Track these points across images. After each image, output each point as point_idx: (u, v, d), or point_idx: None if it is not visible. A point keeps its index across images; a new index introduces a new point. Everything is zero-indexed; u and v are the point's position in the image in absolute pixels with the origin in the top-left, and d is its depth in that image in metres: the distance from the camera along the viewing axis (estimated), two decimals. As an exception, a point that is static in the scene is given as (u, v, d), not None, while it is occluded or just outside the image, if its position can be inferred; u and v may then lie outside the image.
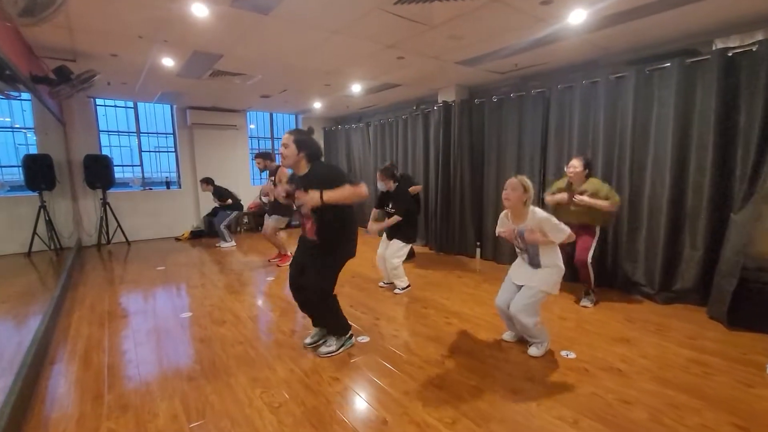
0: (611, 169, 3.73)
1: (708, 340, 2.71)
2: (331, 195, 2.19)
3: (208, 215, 7.18)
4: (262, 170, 4.86)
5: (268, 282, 4.29)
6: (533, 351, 2.50)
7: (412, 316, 3.22)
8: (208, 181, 6.16)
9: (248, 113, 7.77)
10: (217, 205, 6.29)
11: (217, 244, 6.24)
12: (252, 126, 8.26)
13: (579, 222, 3.25)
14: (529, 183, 2.40)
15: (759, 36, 3.01)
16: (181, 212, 7.19)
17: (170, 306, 3.52)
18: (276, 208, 4.86)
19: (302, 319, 3.16)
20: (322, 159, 2.44)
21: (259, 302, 3.63)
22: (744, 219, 2.90)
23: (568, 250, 3.18)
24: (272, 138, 8.50)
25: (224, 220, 6.24)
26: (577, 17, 2.90)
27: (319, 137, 8.71)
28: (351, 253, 2.46)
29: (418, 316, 3.23)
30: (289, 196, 2.40)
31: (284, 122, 8.64)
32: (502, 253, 4.93)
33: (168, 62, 4.09)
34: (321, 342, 2.62)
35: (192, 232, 7.02)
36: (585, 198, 3.16)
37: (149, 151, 7.12)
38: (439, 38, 3.35)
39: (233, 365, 2.42)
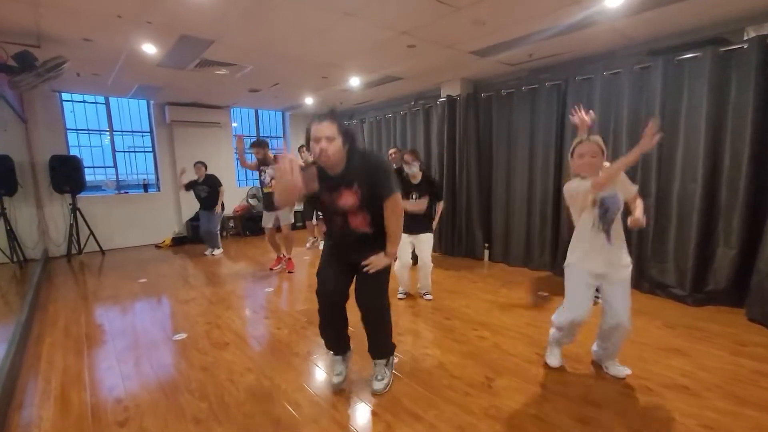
0: (636, 164, 3.53)
1: (760, 346, 2.52)
2: (393, 237, 1.91)
3: (191, 220, 6.66)
4: (261, 160, 4.31)
5: (268, 293, 3.89)
6: (622, 370, 2.17)
7: (438, 330, 2.92)
8: (204, 165, 5.53)
9: (232, 110, 7.27)
10: (203, 194, 5.50)
11: (209, 252, 5.66)
12: (235, 124, 7.74)
13: None
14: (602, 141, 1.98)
15: (795, 24, 2.88)
16: (161, 217, 6.63)
17: (159, 326, 3.09)
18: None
19: (315, 337, 2.80)
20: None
21: (263, 318, 3.24)
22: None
23: None
24: (258, 137, 8.01)
25: (217, 221, 5.72)
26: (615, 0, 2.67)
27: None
28: None
29: (444, 329, 2.93)
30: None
31: (270, 120, 8.17)
32: (512, 254, 4.70)
33: (149, 49, 3.63)
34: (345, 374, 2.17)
35: (174, 238, 6.48)
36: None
37: (124, 151, 6.54)
38: (460, 23, 3.05)
39: (246, 400, 2.04)
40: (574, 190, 2.00)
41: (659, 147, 3.41)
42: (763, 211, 2.97)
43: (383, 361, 2.14)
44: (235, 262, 5.28)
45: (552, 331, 2.31)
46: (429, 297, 3.52)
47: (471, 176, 4.98)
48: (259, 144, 4.32)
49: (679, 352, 2.48)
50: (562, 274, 4.11)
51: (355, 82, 5.02)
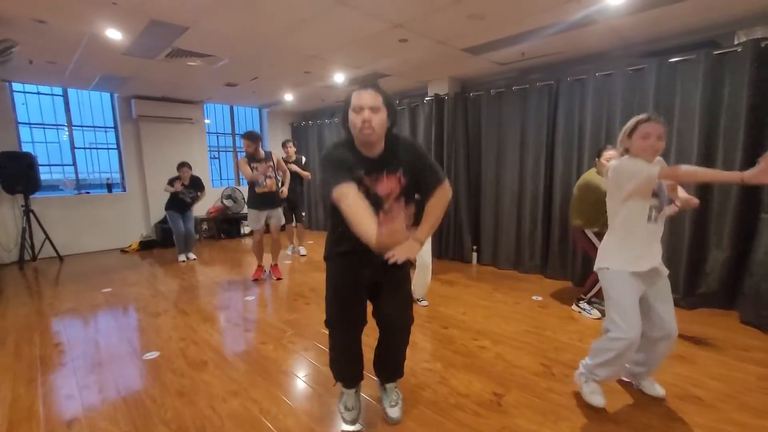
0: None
1: (760, 351, 2.51)
2: (431, 225, 1.62)
3: (160, 222, 6.22)
4: (250, 155, 3.90)
5: (249, 302, 3.61)
6: (660, 389, 1.98)
7: (436, 340, 2.75)
8: (189, 166, 5.09)
9: (205, 106, 6.86)
10: (186, 197, 5.08)
11: (185, 257, 5.26)
12: (208, 121, 7.32)
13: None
14: None
15: (785, 28, 2.91)
16: (127, 219, 6.16)
17: (127, 344, 2.76)
18: (277, 200, 4.08)
19: (303, 351, 2.58)
20: None
21: (244, 331, 2.97)
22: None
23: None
24: (233, 134, 7.62)
25: (193, 221, 5.37)
26: (617, -3, 2.60)
27: (286, 134, 7.98)
28: None
29: (443, 339, 2.77)
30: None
31: (246, 117, 7.80)
32: (502, 256, 4.61)
33: (114, 35, 3.27)
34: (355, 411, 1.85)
35: (141, 242, 6.03)
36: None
37: (84, 148, 6.01)
38: (457, 17, 2.90)
39: (231, 429, 1.80)
40: (636, 169, 1.68)
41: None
42: (755, 213, 2.98)
43: (394, 384, 1.92)
44: (211, 267, 4.94)
45: (589, 365, 1.91)
46: (425, 303, 3.36)
47: (459, 177, 4.86)
48: (252, 137, 3.89)
49: (684, 359, 2.42)
50: (552, 276, 4.13)
51: (339, 78, 4.80)
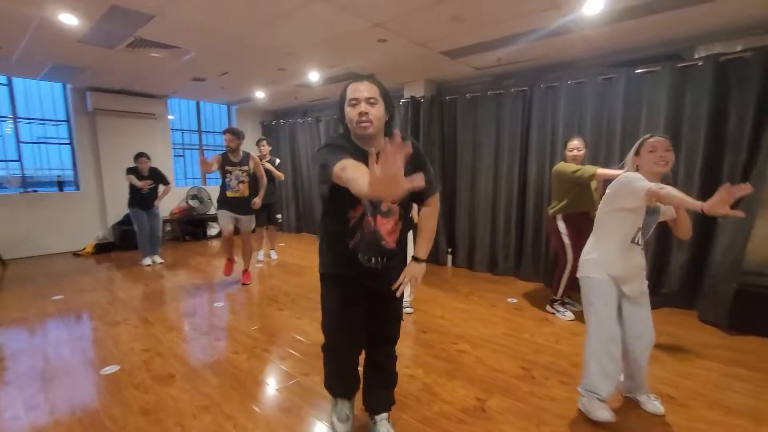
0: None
1: (722, 348, 2.65)
2: (428, 239, 1.59)
3: (119, 223, 5.82)
4: (231, 150, 3.72)
5: (218, 309, 3.42)
6: (659, 407, 1.92)
7: (417, 345, 2.71)
8: (147, 156, 4.74)
9: (169, 100, 6.49)
10: (146, 189, 4.70)
11: (150, 261, 4.95)
12: (171, 117, 6.94)
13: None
14: None
15: (739, 45, 3.11)
16: (81, 220, 5.72)
17: (82, 357, 2.53)
18: (248, 207, 3.92)
19: (278, 360, 2.46)
20: None
21: (214, 340, 2.80)
22: (735, 224, 2.95)
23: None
24: (199, 131, 7.28)
25: (160, 221, 5.06)
26: (593, 7, 2.67)
27: (256, 132, 7.73)
28: None
29: (423, 344, 2.73)
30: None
31: (213, 114, 7.47)
32: (476, 259, 4.66)
33: (69, 20, 3.00)
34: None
35: (97, 244, 5.61)
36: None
37: (31, 143, 5.53)
38: (438, 18, 2.88)
39: (204, 451, 1.67)
40: (634, 181, 1.69)
41: (621, 155, 3.53)
42: (713, 218, 3.16)
43: (386, 415, 1.73)
44: (175, 271, 4.66)
45: (587, 384, 1.86)
46: (409, 310, 3.29)
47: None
48: (236, 132, 3.71)
49: (653, 358, 2.50)
50: (525, 278, 4.22)
51: (314, 76, 4.68)
